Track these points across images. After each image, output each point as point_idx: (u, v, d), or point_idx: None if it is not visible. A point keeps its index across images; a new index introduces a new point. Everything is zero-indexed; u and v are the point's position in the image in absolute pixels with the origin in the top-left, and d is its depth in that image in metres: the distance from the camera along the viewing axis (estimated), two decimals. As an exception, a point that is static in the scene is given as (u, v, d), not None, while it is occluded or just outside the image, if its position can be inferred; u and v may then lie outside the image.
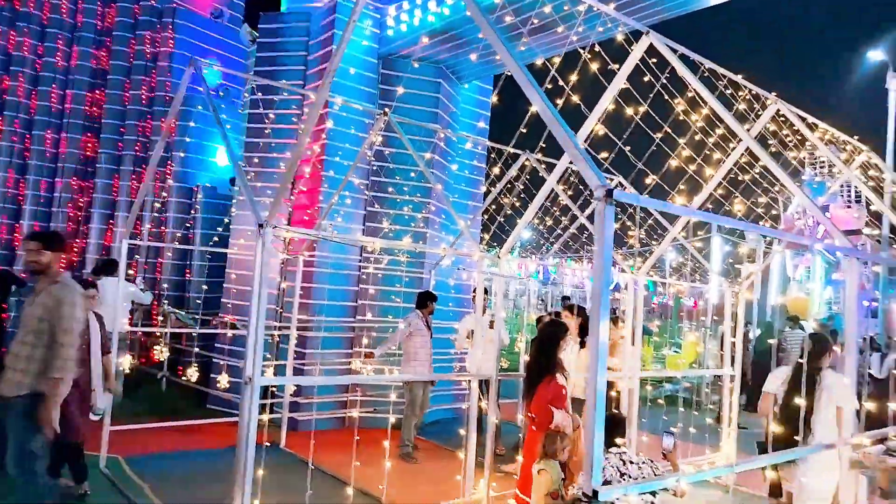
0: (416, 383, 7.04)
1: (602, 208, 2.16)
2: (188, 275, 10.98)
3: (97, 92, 12.29)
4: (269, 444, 4.19)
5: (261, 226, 4.06)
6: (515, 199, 7.95)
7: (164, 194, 11.02)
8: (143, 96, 12.08)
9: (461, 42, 8.43)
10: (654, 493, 4.25)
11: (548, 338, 4.82)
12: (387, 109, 6.71)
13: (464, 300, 9.59)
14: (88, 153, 12.19)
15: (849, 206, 22.40)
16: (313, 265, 8.38)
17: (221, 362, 7.97)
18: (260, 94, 8.99)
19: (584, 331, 5.96)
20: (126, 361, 7.18)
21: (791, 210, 18.91)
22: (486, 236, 9.05)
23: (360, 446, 6.64)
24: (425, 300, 7.28)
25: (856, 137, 6.66)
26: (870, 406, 5.72)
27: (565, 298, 12.72)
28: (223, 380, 7.40)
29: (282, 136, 9.00)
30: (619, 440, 4.37)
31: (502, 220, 7.99)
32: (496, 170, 7.89)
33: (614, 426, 4.64)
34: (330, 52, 8.76)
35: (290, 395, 7.48)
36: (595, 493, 2.00)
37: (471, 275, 9.69)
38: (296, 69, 9.27)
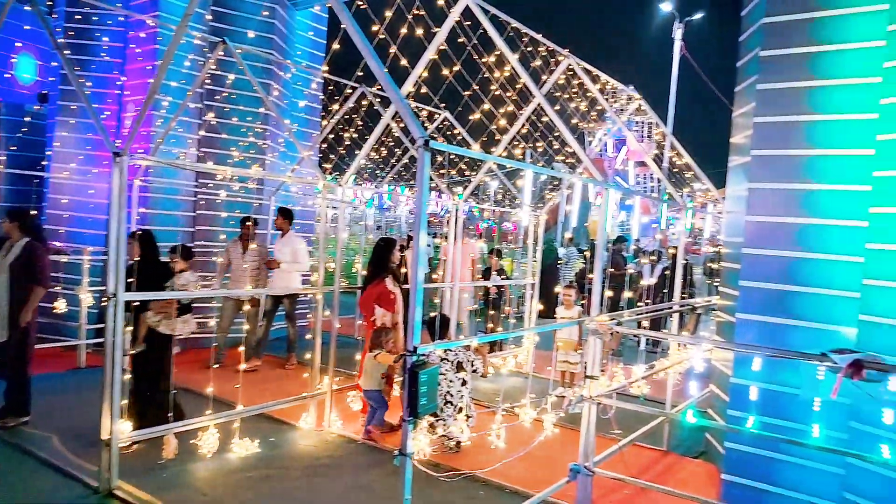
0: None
1: (421, 154, 2.98)
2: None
3: None
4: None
5: (117, 154, 4.35)
6: (353, 130, 8.58)
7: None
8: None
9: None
10: (463, 372, 5.44)
11: (380, 249, 6.03)
12: (225, 39, 6.87)
13: (303, 225, 10.15)
14: None
15: (641, 141, 25.88)
16: (148, 191, 8.42)
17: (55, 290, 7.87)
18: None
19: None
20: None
21: (594, 144, 21.58)
22: (328, 166, 9.60)
23: (203, 362, 7.21)
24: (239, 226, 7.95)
25: (631, 87, 8.15)
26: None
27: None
28: (61, 305, 7.39)
29: (96, 54, 8.68)
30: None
31: (342, 150, 8.60)
32: (334, 99, 8.43)
33: (440, 324, 5.85)
34: (156, -32, 8.46)
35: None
36: (415, 348, 2.92)
37: (306, 201, 10.25)
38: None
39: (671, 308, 6.10)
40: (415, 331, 2.94)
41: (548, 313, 10.39)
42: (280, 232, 8.15)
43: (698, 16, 19.78)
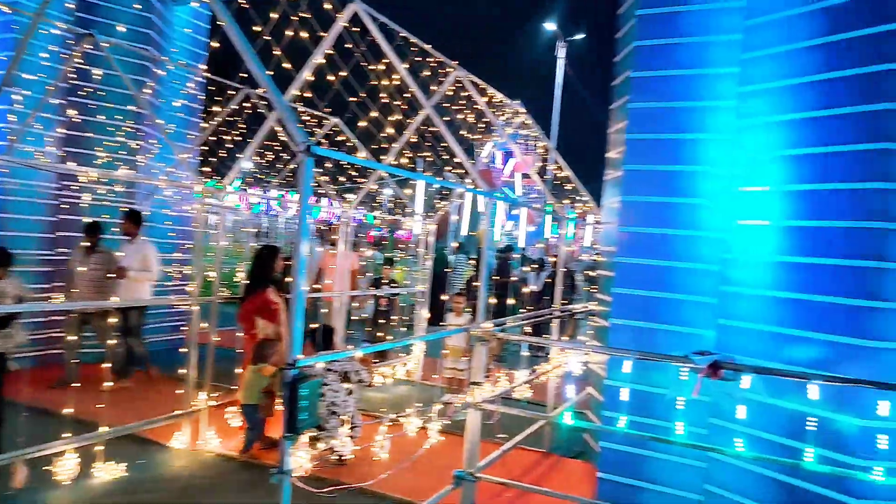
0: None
1: (303, 160, 2.89)
2: None
3: None
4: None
5: (-43, 152, 3.88)
6: (236, 133, 8.23)
7: None
8: None
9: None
10: (349, 383, 5.35)
11: (261, 258, 5.76)
12: (93, 32, 6.37)
13: (182, 231, 9.59)
14: None
15: (527, 154, 26.80)
16: (1, 194, 7.61)
17: None
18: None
19: None
20: None
21: (483, 156, 22.08)
22: (209, 169, 9.14)
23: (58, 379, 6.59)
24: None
25: (518, 102, 8.43)
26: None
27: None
28: None
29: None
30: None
31: (224, 153, 8.22)
32: (215, 100, 8.04)
33: (324, 334, 5.71)
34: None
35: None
36: (295, 360, 2.82)
37: (183, 206, 9.70)
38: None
39: (552, 314, 6.34)
40: (295, 343, 2.84)
41: (438, 321, 10.50)
42: (128, 237, 7.36)
43: (580, 36, 20.93)
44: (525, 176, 29.62)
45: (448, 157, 8.01)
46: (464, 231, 21.82)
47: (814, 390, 3.50)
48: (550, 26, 20.92)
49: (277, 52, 4.77)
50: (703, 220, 4.66)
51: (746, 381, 3.69)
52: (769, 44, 4.34)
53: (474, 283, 9.97)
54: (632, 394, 4.49)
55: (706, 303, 4.63)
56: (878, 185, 3.75)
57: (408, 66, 5.58)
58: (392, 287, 9.68)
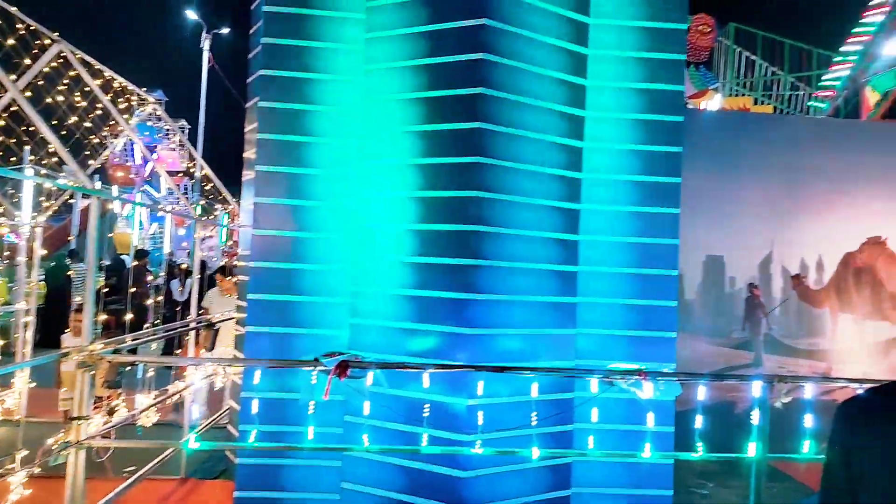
0: None
1: None
2: None
3: None
4: None
5: None
6: None
7: None
8: None
9: None
10: None
11: None
12: None
13: None
14: None
15: (172, 150, 24.63)
16: None
17: None
18: None
19: None
20: None
21: (118, 149, 19.44)
22: None
23: None
24: None
25: (144, 89, 7.53)
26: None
27: None
28: None
29: None
30: None
31: None
32: None
33: None
34: None
35: None
36: None
37: None
38: None
39: (187, 326, 5.80)
40: None
41: (54, 343, 8.79)
42: None
43: (225, 30, 20.02)
44: (175, 173, 27.23)
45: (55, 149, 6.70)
46: (92, 236, 18.95)
47: (427, 378, 3.83)
48: (193, 15, 19.55)
49: None
50: (334, 223, 4.74)
51: (370, 377, 3.86)
52: (384, 58, 4.63)
53: (108, 296, 8.69)
54: (267, 403, 4.33)
55: (340, 303, 4.72)
56: (474, 194, 4.30)
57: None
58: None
